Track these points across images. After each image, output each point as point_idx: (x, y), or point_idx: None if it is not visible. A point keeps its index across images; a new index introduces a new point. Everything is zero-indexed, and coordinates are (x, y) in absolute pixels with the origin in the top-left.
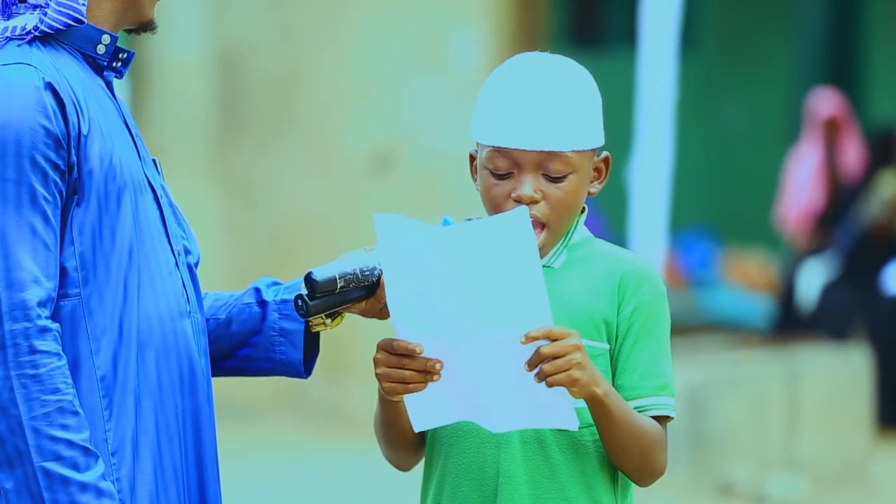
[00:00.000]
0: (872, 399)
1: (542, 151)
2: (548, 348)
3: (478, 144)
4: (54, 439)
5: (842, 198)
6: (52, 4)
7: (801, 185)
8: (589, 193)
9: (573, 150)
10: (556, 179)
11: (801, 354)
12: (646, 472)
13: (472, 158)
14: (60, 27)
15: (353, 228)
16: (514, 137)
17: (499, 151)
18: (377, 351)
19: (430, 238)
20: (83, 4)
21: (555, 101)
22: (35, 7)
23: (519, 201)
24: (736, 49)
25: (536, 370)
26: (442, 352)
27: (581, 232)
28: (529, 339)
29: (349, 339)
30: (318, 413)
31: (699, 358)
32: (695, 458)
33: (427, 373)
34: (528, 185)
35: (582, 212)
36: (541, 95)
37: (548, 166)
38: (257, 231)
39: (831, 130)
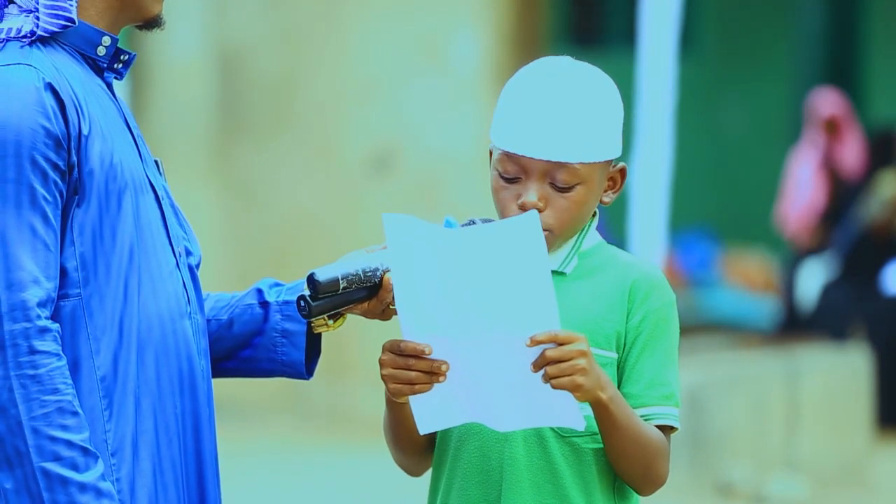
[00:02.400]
0: (872, 399)
1: (549, 161)
2: (553, 352)
3: (492, 144)
4: (54, 440)
5: (842, 198)
6: (42, 8)
7: (801, 185)
8: (601, 202)
9: (581, 162)
10: (563, 189)
11: (801, 354)
12: (647, 481)
13: (491, 153)
14: (56, 30)
15: (353, 228)
16: (523, 144)
17: (508, 156)
18: (383, 352)
19: (439, 239)
20: (72, 5)
21: (568, 111)
22: (28, 12)
23: (523, 208)
24: (736, 49)
25: (542, 371)
26: (448, 352)
27: (592, 238)
28: (535, 342)
29: (350, 340)
30: (318, 413)
31: (699, 358)
32: (695, 459)
33: (433, 374)
34: (534, 192)
35: (593, 216)
36: (554, 105)
37: (555, 175)
38: (257, 231)
39: (831, 130)
